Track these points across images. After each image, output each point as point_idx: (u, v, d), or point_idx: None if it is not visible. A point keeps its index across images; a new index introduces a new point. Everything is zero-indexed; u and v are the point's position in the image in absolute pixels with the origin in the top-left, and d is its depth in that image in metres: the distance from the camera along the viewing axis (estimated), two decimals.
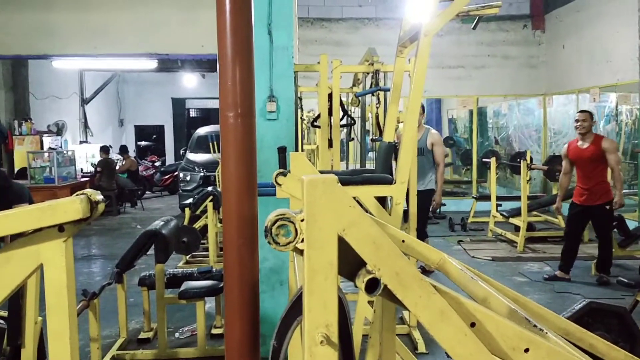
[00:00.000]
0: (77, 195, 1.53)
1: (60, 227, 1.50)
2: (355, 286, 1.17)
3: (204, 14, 7.92)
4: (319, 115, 5.49)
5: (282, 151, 3.47)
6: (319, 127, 5.44)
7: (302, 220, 1.09)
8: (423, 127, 6.40)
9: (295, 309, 1.30)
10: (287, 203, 3.59)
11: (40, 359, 3.16)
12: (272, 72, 4.35)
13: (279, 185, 2.45)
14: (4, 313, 3.12)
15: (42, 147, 10.47)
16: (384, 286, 1.11)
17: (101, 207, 1.58)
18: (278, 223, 1.10)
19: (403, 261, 1.11)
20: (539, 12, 12.13)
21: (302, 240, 1.09)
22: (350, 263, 1.16)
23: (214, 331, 4.78)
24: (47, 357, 3.39)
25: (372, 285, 1.10)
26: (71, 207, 1.48)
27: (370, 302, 4.03)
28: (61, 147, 11.19)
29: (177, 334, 4.74)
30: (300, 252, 1.12)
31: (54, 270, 1.50)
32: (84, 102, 14.56)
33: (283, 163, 3.48)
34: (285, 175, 2.44)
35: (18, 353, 3.06)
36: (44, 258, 1.50)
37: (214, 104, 19.67)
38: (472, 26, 3.65)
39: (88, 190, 1.56)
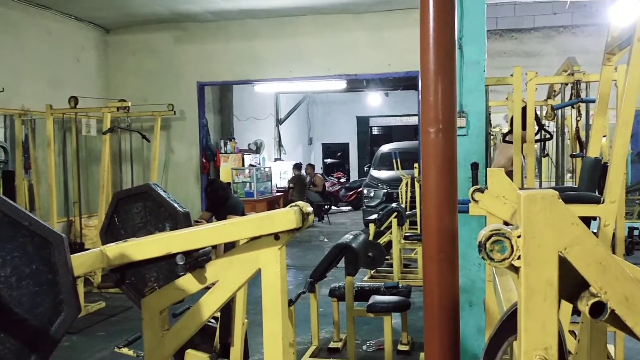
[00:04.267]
0: (290, 206, 1.65)
1: (276, 236, 1.63)
2: (577, 308, 1.10)
3: (390, 34, 8.10)
4: (510, 130, 5.26)
5: (474, 167, 3.40)
6: (511, 142, 5.21)
7: (519, 237, 1.05)
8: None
9: (506, 328, 1.25)
10: (481, 220, 3.49)
11: (244, 357, 3.44)
12: (463, 86, 4.28)
13: (476, 201, 2.39)
14: (217, 314, 3.46)
15: (243, 164, 11.52)
16: (610, 311, 1.02)
17: (311, 218, 1.68)
18: (493, 238, 1.08)
19: (634, 285, 1.01)
20: None
21: (519, 257, 1.05)
22: (570, 284, 1.09)
23: (400, 347, 4.79)
24: (249, 356, 3.69)
25: (597, 310, 1.02)
26: (286, 218, 1.60)
27: (571, 332, 3.72)
28: (259, 164, 12.20)
29: (364, 347, 4.84)
30: (516, 269, 1.08)
31: (270, 275, 1.64)
32: (279, 122, 15.74)
33: (476, 179, 3.39)
34: (482, 191, 2.37)
35: (226, 350, 3.38)
36: (262, 263, 1.64)
37: (396, 121, 19.91)
38: None
39: (300, 203, 1.68)
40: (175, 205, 2.04)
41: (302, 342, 4.91)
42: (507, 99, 7.09)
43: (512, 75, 5.06)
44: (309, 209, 1.69)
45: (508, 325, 1.24)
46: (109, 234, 2.09)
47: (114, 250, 1.61)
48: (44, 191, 7.28)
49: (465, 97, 4.28)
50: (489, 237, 1.08)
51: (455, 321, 1.70)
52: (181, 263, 1.63)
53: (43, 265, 1.25)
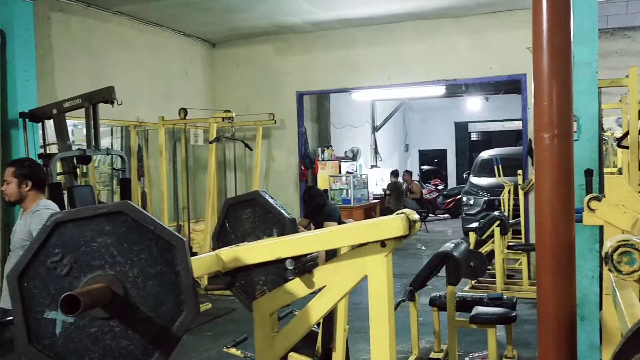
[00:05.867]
0: (397, 214, 1.65)
1: (383, 243, 1.63)
2: None
3: (492, 37, 7.86)
4: (625, 134, 4.93)
5: (588, 174, 3.22)
6: (626, 147, 4.87)
7: None
8: None
9: (632, 345, 1.18)
10: (595, 230, 3.29)
11: None
12: (574, 89, 4.06)
13: (592, 210, 2.26)
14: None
15: (340, 171, 11.63)
16: None
17: (418, 226, 1.67)
18: (620, 250, 1.02)
19: None
20: None
21: None
22: None
23: None
24: None
25: None
26: (393, 225, 1.59)
27: None
28: (356, 171, 12.26)
29: (467, 359, 4.71)
30: None
31: (376, 281, 1.64)
32: (375, 129, 15.73)
33: (590, 187, 3.22)
34: (599, 200, 2.24)
35: (328, 355, 3.41)
36: (369, 270, 1.65)
37: (497, 126, 19.24)
38: None
39: (406, 210, 1.67)
40: (282, 211, 2.10)
41: (401, 351, 4.86)
42: (620, 101, 6.65)
43: (627, 76, 4.74)
44: (416, 216, 1.68)
45: (634, 342, 1.16)
46: (221, 238, 2.19)
47: (228, 254, 1.69)
48: (156, 197, 7.75)
49: (576, 100, 4.05)
50: (616, 248, 1.03)
51: (572, 336, 1.61)
52: (290, 268, 1.67)
53: (166, 267, 1.32)
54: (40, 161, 5.05)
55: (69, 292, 1.18)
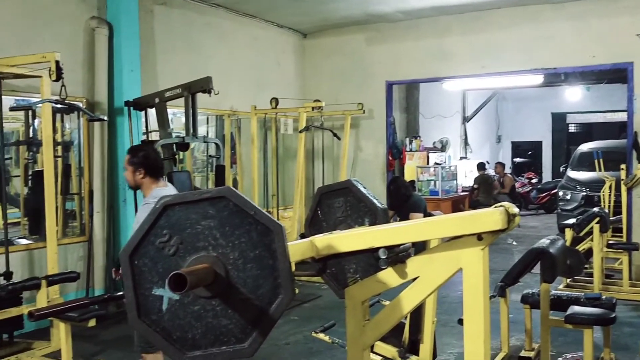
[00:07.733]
0: (495, 207, 1.60)
1: (479, 236, 1.60)
2: None
3: (595, 23, 7.44)
4: None
5: None
6: None
7: None
8: None
9: None
10: None
11: (433, 356, 3.43)
12: None
13: None
14: None
15: (428, 162, 11.45)
16: None
17: (517, 220, 1.61)
18: None
19: None
20: None
21: None
22: None
23: None
24: (437, 355, 3.65)
25: None
26: (491, 218, 1.56)
27: None
28: (445, 162, 12.02)
29: (560, 359, 4.52)
30: None
31: (472, 275, 1.61)
32: (465, 120, 15.31)
33: None
34: None
35: (415, 347, 3.40)
36: (464, 263, 1.62)
37: (598, 117, 18.16)
38: None
39: (506, 204, 1.62)
40: (375, 201, 2.10)
41: (490, 348, 4.74)
42: None
43: None
44: (515, 210, 1.62)
45: None
46: (312, 226, 2.23)
47: (322, 241, 1.72)
48: (247, 184, 8.00)
49: None
50: None
51: None
52: (384, 257, 1.68)
53: (265, 251, 1.37)
54: None
55: (176, 271, 1.25)
